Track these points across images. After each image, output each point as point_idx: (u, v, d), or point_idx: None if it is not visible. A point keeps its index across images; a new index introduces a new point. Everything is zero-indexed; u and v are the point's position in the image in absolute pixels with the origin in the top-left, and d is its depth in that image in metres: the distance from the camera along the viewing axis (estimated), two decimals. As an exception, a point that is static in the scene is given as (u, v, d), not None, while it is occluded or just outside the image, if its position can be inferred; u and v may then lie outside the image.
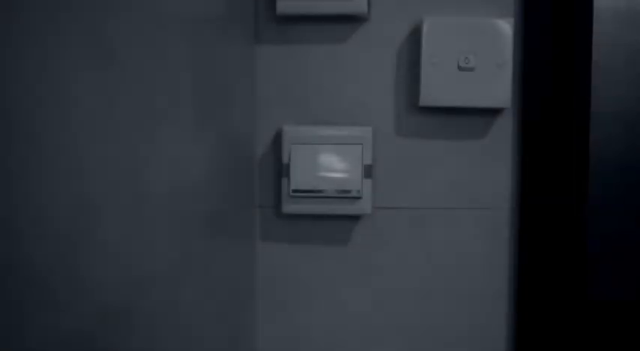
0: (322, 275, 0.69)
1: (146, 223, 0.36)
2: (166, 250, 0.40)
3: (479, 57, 0.63)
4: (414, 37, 0.66)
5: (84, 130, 0.29)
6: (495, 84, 0.63)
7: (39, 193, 0.25)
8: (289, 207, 0.66)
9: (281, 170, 0.67)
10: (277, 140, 0.68)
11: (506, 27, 0.63)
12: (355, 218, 0.68)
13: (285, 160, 0.66)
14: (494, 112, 0.67)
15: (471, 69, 0.63)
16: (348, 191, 0.64)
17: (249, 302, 0.67)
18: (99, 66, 0.30)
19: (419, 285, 0.69)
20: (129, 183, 0.34)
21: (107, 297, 0.31)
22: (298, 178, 0.64)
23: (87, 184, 0.29)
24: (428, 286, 0.69)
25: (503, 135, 0.67)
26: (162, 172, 0.39)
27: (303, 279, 0.69)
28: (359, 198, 0.65)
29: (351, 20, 0.66)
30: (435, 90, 0.64)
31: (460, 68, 0.63)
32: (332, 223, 0.69)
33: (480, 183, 0.67)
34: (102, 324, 0.31)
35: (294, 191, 0.64)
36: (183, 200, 0.44)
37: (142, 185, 0.36)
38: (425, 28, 0.63)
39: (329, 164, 0.64)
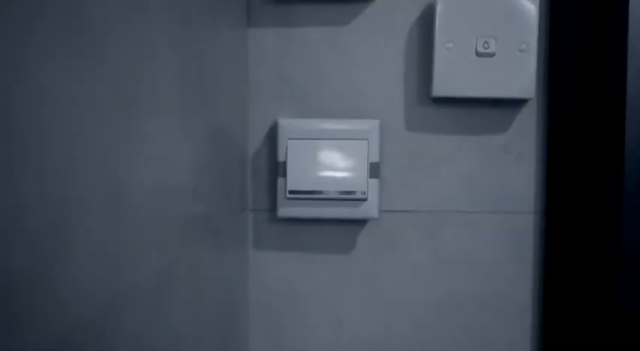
0: (322, 287, 0.68)
1: (128, 227, 0.36)
2: (149, 257, 0.39)
3: (499, 41, 0.61)
4: (427, 18, 0.65)
5: (58, 124, 0.28)
6: (518, 72, 0.62)
7: (8, 193, 0.25)
8: (286, 210, 0.65)
9: (276, 169, 0.66)
10: (272, 135, 0.67)
11: (530, 7, 0.61)
12: (360, 223, 0.68)
13: (280, 157, 0.65)
14: (516, 104, 0.66)
15: (491, 55, 0.62)
16: (352, 192, 0.63)
17: (240, 317, 0.66)
18: (74, 52, 0.29)
19: (432, 298, 0.68)
20: (108, 183, 0.33)
21: (87, 306, 0.31)
22: (296, 178, 0.64)
23: (63, 184, 0.29)
24: (442, 299, 0.68)
25: (527, 129, 0.66)
26: (145, 172, 0.39)
27: (301, 291, 0.69)
28: (364, 200, 0.64)
29: (356, 0, 0.65)
30: (450, 78, 0.63)
31: (478, 54, 0.62)
32: (334, 228, 0.68)
33: (501, 184, 0.66)
34: (81, 335, 0.31)
35: (291, 192, 0.64)
36: (167, 203, 0.43)
37: (122, 186, 0.35)
38: (438, 9, 0.62)
39: (330, 162, 0.64)
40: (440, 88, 0.63)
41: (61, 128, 0.28)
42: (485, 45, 0.61)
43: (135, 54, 0.37)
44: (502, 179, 0.66)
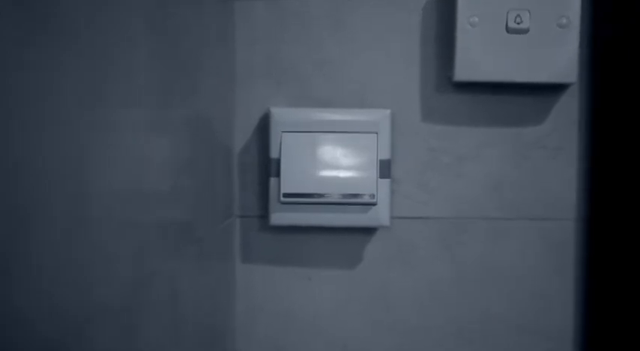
0: (324, 308, 0.67)
1: (92, 236, 0.36)
2: (118, 272, 0.39)
3: (534, 14, 0.61)
4: (447, -12, 0.64)
5: (9, 115, 0.28)
6: (557, 51, 0.61)
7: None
8: (279, 217, 0.65)
9: (269, 167, 0.65)
10: (263, 127, 0.66)
11: (571, -26, 0.60)
12: (368, 232, 0.67)
13: (273, 153, 0.64)
14: (555, 90, 0.65)
15: (524, 31, 0.61)
16: (359, 196, 0.63)
17: (226, 343, 0.65)
18: (27, 30, 0.29)
19: (454, 321, 0.67)
20: (70, 185, 0.33)
21: (45, 330, 0.31)
22: (291, 179, 0.63)
23: (13, 185, 0.28)
24: (466, 322, 0.67)
25: (567, 120, 0.65)
26: (113, 171, 0.38)
27: (299, 313, 0.68)
28: (373, 205, 0.63)
29: (362, -33, 0.65)
30: (475, 60, 0.62)
31: (509, 30, 0.61)
32: (337, 238, 0.67)
33: (535, 185, 0.66)
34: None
35: (286, 195, 0.63)
36: (140, 208, 0.43)
37: (86, 188, 0.35)
38: (462, -24, 0.61)
39: (333, 159, 0.63)
40: (463, 72, 0.62)
41: (12, 120, 0.28)
42: (518, 19, 0.61)
43: (100, 33, 0.36)
44: (537, 180, 0.65)
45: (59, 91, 0.32)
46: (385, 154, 0.64)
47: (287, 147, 0.63)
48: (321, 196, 0.63)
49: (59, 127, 0.32)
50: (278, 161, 0.64)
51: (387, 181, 0.64)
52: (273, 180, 0.64)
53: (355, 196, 0.62)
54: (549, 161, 0.65)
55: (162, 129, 0.47)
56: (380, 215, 0.64)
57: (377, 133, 0.64)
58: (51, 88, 0.31)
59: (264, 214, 0.67)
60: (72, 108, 0.33)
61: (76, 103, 0.34)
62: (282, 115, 0.64)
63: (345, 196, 0.62)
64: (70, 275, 0.33)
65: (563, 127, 0.65)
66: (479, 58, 0.62)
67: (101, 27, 0.37)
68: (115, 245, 0.39)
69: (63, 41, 0.32)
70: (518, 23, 0.61)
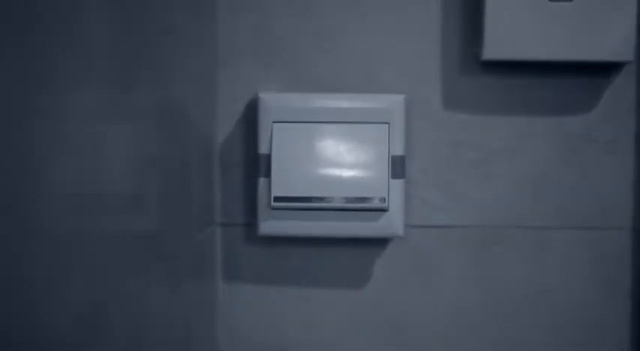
0: (325, 337, 0.67)
1: (31, 253, 0.35)
2: (66, 297, 0.39)
3: None
4: (475, -53, 0.62)
5: None
6: (609, 23, 0.61)
7: None
8: (270, 225, 0.65)
9: (257, 165, 0.65)
10: (251, 116, 0.66)
11: None
12: (379, 244, 0.67)
13: (263, 148, 0.64)
14: (606, 70, 0.65)
15: None
16: (367, 200, 0.63)
17: None
18: None
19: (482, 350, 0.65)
20: (5, 182, 0.32)
21: None
22: (284, 179, 0.63)
23: None
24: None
25: (622, 107, 0.65)
26: (56, 169, 0.38)
27: (293, 342, 0.67)
28: (384, 210, 0.63)
29: None
30: (508, 35, 0.62)
31: None
32: (340, 251, 0.67)
33: (583, 186, 0.66)
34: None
35: (278, 199, 0.63)
36: (94, 216, 0.42)
37: (21, 187, 0.34)
38: None
39: (335, 156, 0.64)
40: (494, 49, 0.62)
41: None
42: (562, -16, 0.58)
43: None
44: (585, 180, 0.66)
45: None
46: (399, 150, 0.64)
47: (279, 140, 0.63)
48: (320, 200, 0.63)
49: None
50: (268, 158, 0.64)
51: (400, 182, 0.64)
52: (262, 181, 0.64)
53: (362, 200, 0.62)
54: (601, 157, 0.65)
55: (122, 117, 0.46)
56: (392, 223, 0.64)
57: (389, 124, 0.64)
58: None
59: (251, 222, 0.67)
60: (3, 92, 0.32)
61: (10, 84, 0.33)
62: (272, 101, 0.64)
63: (349, 200, 0.62)
64: (12, 299, 0.33)
65: (617, 116, 0.65)
66: (513, 31, 0.62)
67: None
68: (60, 262, 0.38)
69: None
70: (562, -11, 0.58)
